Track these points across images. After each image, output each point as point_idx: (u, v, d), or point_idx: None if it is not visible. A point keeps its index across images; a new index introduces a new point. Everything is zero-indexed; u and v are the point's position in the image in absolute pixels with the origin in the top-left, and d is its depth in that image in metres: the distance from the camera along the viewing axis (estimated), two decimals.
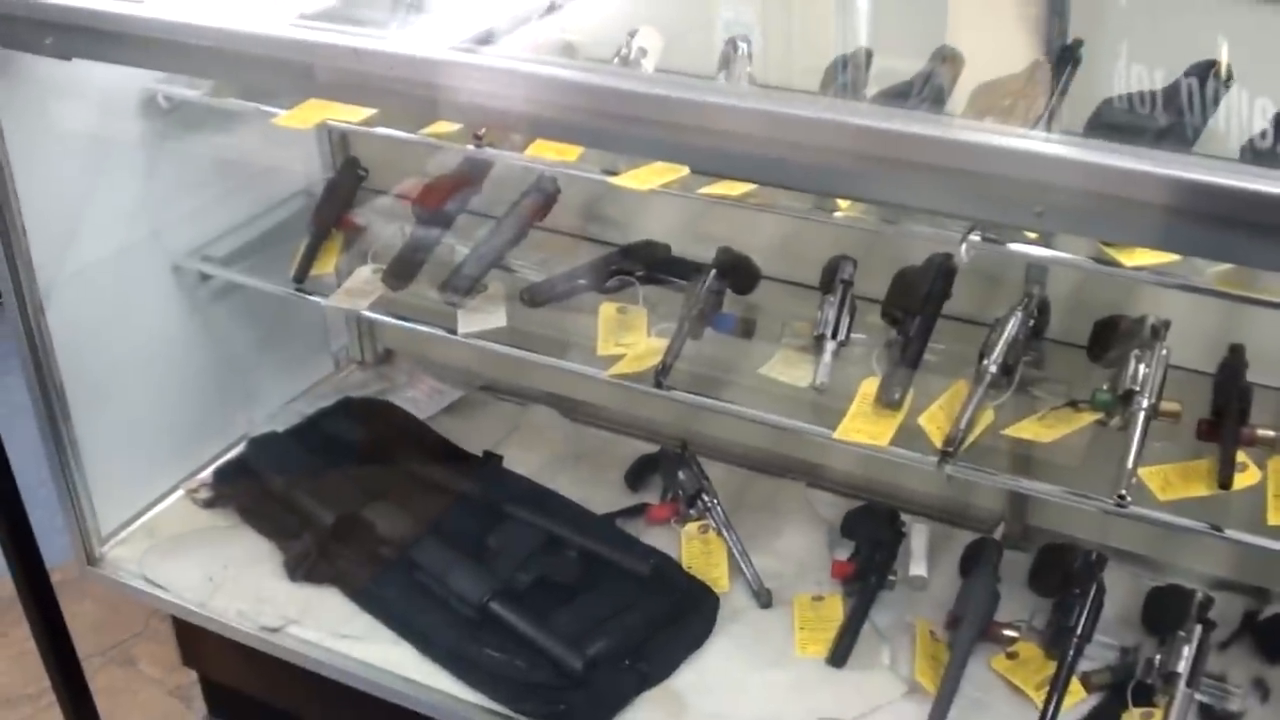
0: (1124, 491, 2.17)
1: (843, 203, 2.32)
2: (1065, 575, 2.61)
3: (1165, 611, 2.57)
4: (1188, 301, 2.38)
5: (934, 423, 2.34)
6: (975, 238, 2.16)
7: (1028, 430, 2.33)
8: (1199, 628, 2.45)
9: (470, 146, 2.61)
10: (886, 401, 2.37)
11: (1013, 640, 2.59)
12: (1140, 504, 2.22)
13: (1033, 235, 2.16)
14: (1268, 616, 2.66)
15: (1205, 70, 2.24)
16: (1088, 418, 2.33)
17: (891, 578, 2.72)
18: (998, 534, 2.80)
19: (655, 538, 2.91)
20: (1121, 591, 2.70)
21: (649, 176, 2.38)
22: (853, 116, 1.78)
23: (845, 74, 2.43)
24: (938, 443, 2.31)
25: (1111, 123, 2.24)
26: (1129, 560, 2.78)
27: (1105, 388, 2.31)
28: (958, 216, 2.12)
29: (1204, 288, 2.14)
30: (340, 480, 3.05)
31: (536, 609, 2.66)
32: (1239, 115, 2.23)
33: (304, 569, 2.84)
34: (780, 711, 2.51)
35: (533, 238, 2.92)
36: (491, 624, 2.64)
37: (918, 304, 2.47)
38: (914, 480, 2.91)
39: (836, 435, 2.36)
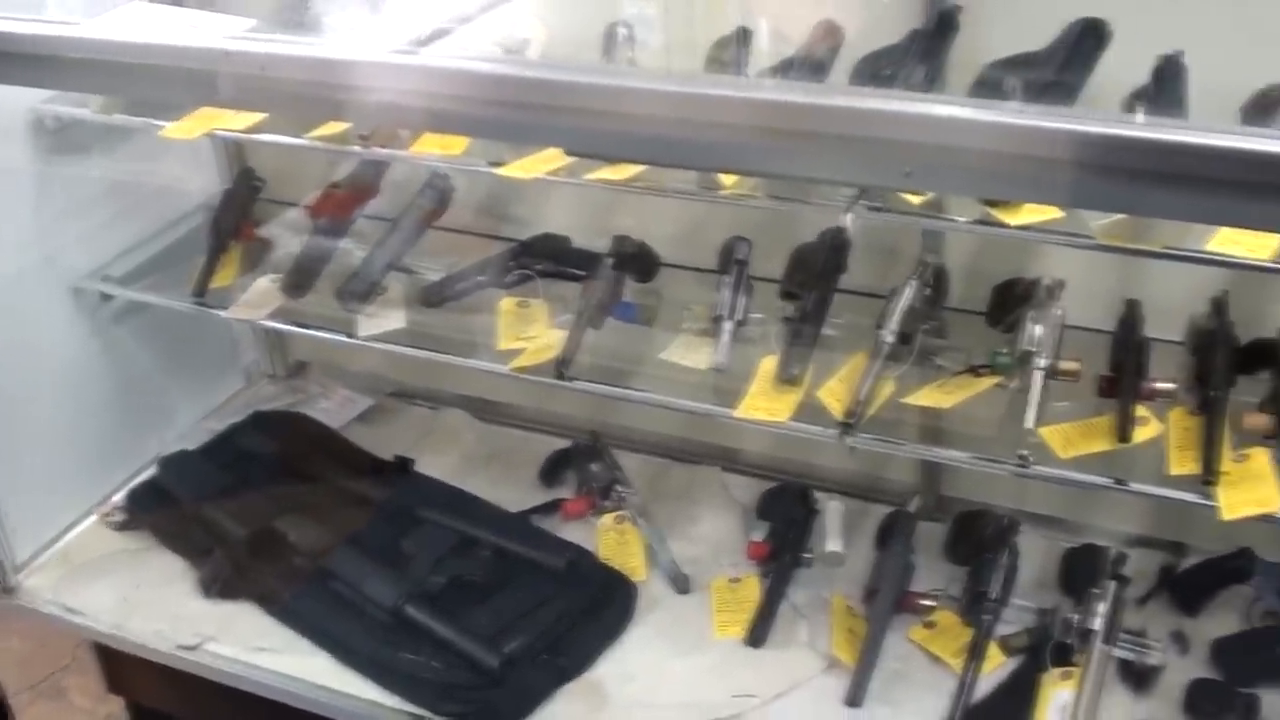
0: (1024, 452, 2.18)
1: (727, 180, 2.31)
2: (979, 542, 2.62)
3: (1080, 571, 2.58)
4: (1085, 260, 2.39)
5: (834, 396, 2.34)
6: (861, 206, 2.17)
7: (928, 398, 2.33)
8: (1113, 584, 2.46)
9: (356, 148, 2.60)
10: (785, 378, 2.37)
11: (930, 610, 2.59)
12: (1044, 464, 2.23)
13: (915, 200, 2.16)
14: (1184, 570, 2.67)
15: (1085, 28, 2.25)
16: (987, 382, 2.33)
17: (808, 555, 2.71)
18: (912, 506, 2.79)
19: (572, 532, 2.89)
20: (1039, 554, 2.71)
21: (534, 165, 2.37)
22: (713, 89, 1.78)
23: (726, 53, 2.42)
24: (838, 415, 2.31)
25: (995, 84, 2.24)
26: (1045, 524, 2.79)
27: (1004, 351, 2.31)
28: (830, 182, 2.12)
29: (1094, 243, 2.14)
30: (253, 495, 3.01)
31: (452, 610, 2.64)
32: (1120, 70, 2.24)
33: (219, 586, 2.81)
34: (701, 695, 2.49)
35: (433, 238, 2.90)
36: (407, 628, 2.62)
37: (813, 279, 2.46)
38: (827, 458, 2.91)
39: (737, 414, 2.36)
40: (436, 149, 2.48)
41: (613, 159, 2.25)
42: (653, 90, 1.82)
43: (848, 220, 2.15)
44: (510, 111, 1.91)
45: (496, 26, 2.59)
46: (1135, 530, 2.74)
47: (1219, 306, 2.35)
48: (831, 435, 2.30)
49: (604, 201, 2.84)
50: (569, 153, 2.05)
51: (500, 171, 2.42)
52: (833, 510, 2.83)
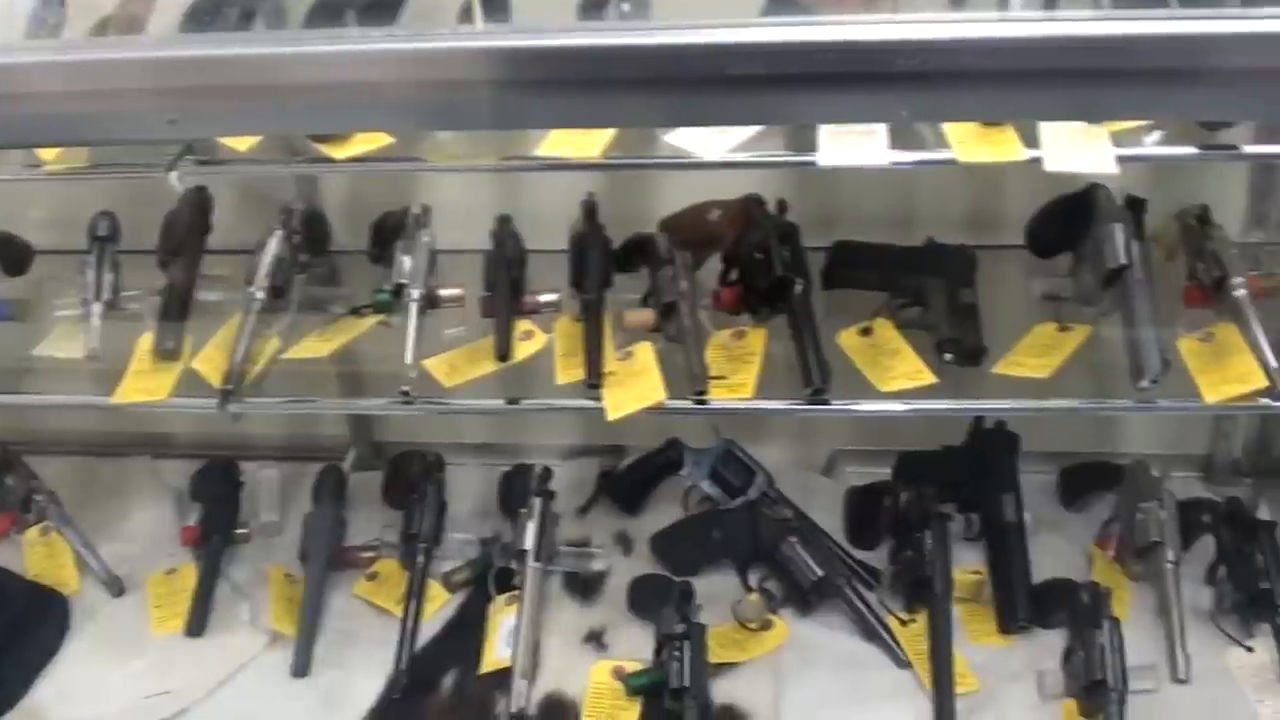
0: (405, 388, 2.12)
1: (47, 155, 2.16)
2: (410, 483, 2.56)
3: (513, 493, 2.57)
4: (460, 183, 2.37)
5: (211, 364, 2.24)
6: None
7: (306, 349, 2.26)
8: (539, 500, 2.44)
9: None
10: (162, 353, 2.25)
11: (371, 561, 2.53)
12: (436, 395, 2.18)
13: (242, 147, 2.06)
14: (620, 471, 2.68)
15: None
16: (368, 322, 2.27)
17: (243, 531, 2.60)
18: (347, 460, 2.72)
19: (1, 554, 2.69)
20: (481, 484, 2.69)
21: None
22: None
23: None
24: (216, 383, 2.20)
25: (324, 12, 2.16)
26: (486, 451, 2.77)
27: (383, 288, 2.24)
28: (111, 143, 2.00)
29: (434, 165, 2.14)
30: None
31: None
32: None
33: None
34: (142, 700, 2.35)
35: None
36: None
37: (179, 245, 2.34)
38: (257, 426, 2.80)
39: (114, 399, 2.23)
40: None
41: None
42: None
43: (173, 179, 2.03)
44: None
45: None
46: (573, 441, 2.75)
47: (589, 209, 2.34)
48: (211, 406, 2.19)
49: None
50: None
51: None
52: (265, 479, 2.72)
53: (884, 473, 2.60)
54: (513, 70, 1.60)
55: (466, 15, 2.13)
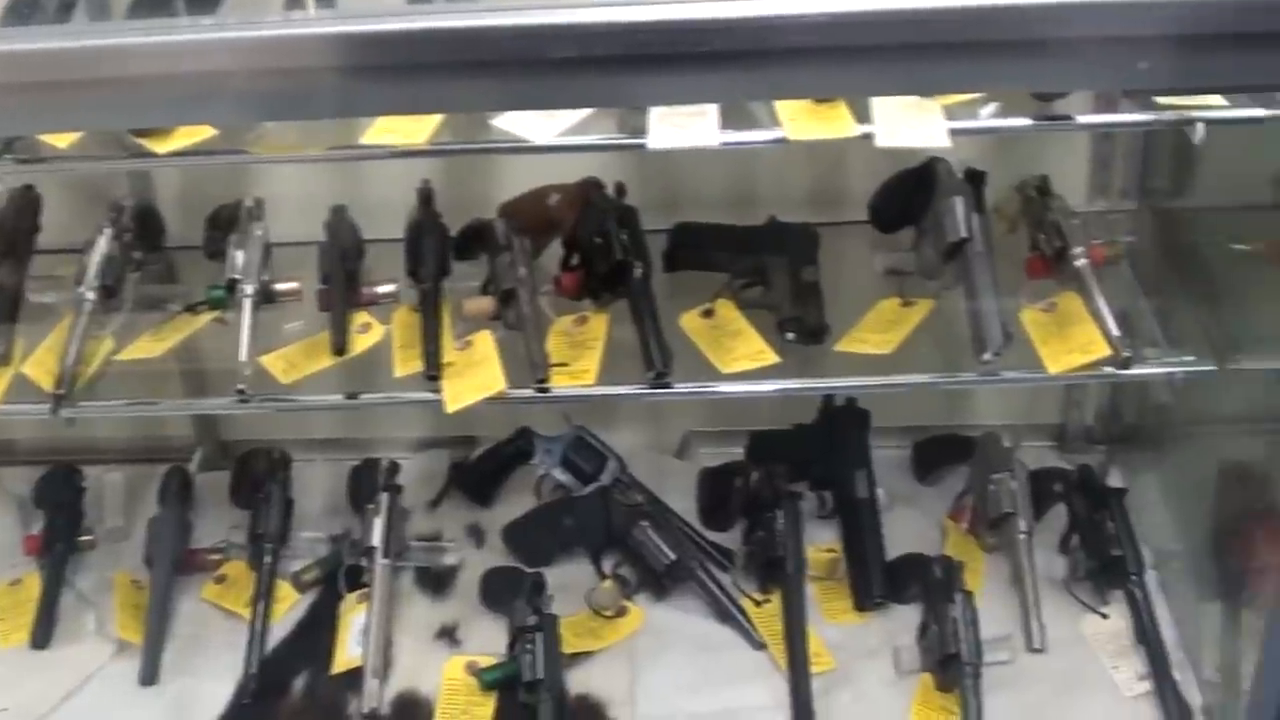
0: (241, 386, 2.08)
1: None
2: (256, 482, 2.52)
3: (362, 489, 2.53)
4: (295, 174, 2.33)
5: (43, 367, 2.17)
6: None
7: (139, 349, 2.19)
8: (386, 496, 2.41)
9: None
10: None
11: (220, 563, 2.48)
12: (274, 391, 2.15)
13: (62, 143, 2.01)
14: (470, 462, 2.65)
15: None
16: (203, 320, 2.22)
17: (88, 538, 2.54)
18: (195, 460, 2.67)
19: None
20: (331, 480, 2.65)
21: None
22: None
23: None
24: (48, 387, 2.14)
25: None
26: (335, 447, 2.72)
27: (218, 284, 2.19)
28: None
29: (255, 157, 2.09)
30: None
31: None
32: None
33: None
34: None
35: None
36: None
37: (8, 246, 2.28)
38: (103, 430, 2.73)
39: None
40: None
41: None
42: None
43: None
44: None
45: None
46: (423, 433, 2.71)
47: (424, 197, 2.31)
48: (45, 412, 2.13)
49: None
50: None
51: None
52: (109, 484, 2.66)
53: (737, 453, 2.60)
54: (342, 56, 1.57)
55: (294, 2, 2.10)
